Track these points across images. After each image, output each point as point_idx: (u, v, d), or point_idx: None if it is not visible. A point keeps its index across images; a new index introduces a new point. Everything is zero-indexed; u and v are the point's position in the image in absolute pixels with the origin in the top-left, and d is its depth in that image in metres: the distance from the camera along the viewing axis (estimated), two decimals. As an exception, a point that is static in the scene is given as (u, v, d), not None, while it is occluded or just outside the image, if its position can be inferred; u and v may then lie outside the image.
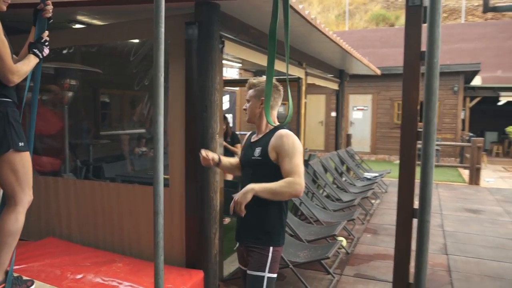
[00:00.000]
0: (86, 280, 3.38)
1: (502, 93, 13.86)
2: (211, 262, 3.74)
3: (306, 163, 7.13)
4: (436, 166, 12.20)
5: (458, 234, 5.60)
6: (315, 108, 15.13)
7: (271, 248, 2.19)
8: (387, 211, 6.81)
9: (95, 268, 3.61)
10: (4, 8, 2.13)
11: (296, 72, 6.23)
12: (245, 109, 2.35)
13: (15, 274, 2.35)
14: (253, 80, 2.32)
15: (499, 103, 14.85)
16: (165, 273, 3.70)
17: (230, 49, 4.00)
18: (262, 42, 4.97)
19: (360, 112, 14.80)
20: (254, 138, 2.35)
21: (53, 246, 4.25)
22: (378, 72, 10.21)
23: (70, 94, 4.93)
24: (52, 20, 2.31)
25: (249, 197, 2.03)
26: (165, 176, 5.59)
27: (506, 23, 20.63)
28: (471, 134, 12.86)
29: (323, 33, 5.08)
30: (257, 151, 2.20)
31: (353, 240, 5.20)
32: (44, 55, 2.24)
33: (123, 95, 8.85)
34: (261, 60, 5.04)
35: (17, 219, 2.17)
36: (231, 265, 4.32)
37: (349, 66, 9.28)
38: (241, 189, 2.12)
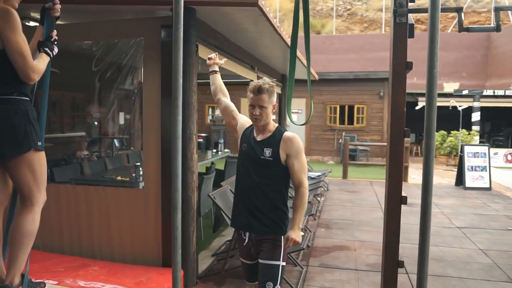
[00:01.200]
0: (66, 285, 3.30)
1: (420, 98, 15.31)
2: (190, 260, 3.83)
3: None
4: (367, 165, 13.17)
5: (400, 225, 6.18)
6: (252, 111, 15.51)
7: (282, 238, 2.37)
8: (333, 207, 7.30)
9: (71, 273, 3.53)
10: (16, 5, 2.10)
11: (250, 75, 6.46)
12: (258, 115, 2.36)
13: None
14: (265, 85, 2.34)
15: (417, 107, 16.36)
16: (146, 273, 3.76)
17: (201, 52, 4.13)
18: (225, 46, 5.15)
19: (294, 115, 15.42)
20: (258, 137, 2.44)
21: (14, 254, 4.04)
22: (316, 77, 10.81)
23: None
24: (59, 19, 2.31)
25: (300, 234, 2.39)
26: (124, 179, 5.51)
27: (419, 35, 22.50)
28: (395, 135, 14.03)
29: (280, 36, 5.38)
30: (267, 151, 2.35)
31: (309, 235, 5.54)
32: (54, 53, 2.23)
33: (68, 97, 8.50)
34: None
35: (34, 220, 2.13)
36: (201, 262, 4.42)
37: (290, 71, 9.74)
38: (245, 177, 2.44)
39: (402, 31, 2.36)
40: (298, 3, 2.04)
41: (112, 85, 9.02)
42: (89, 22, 4.20)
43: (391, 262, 2.42)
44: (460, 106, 13.11)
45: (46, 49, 2.18)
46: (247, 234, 2.46)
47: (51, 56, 2.22)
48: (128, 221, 3.93)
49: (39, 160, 2.14)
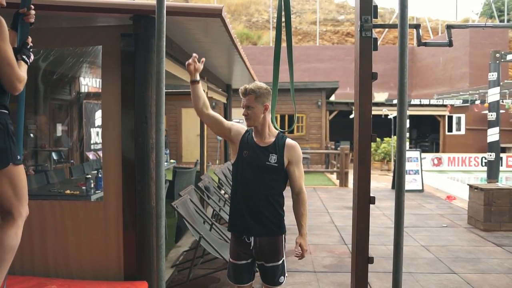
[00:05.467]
0: (25, 306, 3.11)
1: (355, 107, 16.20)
2: (155, 271, 3.76)
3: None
4: (309, 172, 13.61)
5: (347, 228, 6.50)
6: (193, 122, 15.42)
7: (283, 236, 2.51)
8: (283, 213, 7.49)
9: (28, 293, 3.33)
10: (4, 3, 1.99)
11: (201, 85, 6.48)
12: (246, 115, 2.44)
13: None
14: (250, 87, 2.43)
15: (351, 116, 17.27)
16: (111, 288, 3.62)
17: (160, 62, 4.09)
18: (179, 55, 5.16)
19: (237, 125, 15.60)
20: (261, 142, 2.46)
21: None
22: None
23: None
24: (33, 25, 2.21)
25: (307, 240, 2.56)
26: (74, 192, 5.28)
27: (350, 47, 24.02)
28: (333, 143, 14.69)
29: (236, 48, 5.48)
30: (272, 158, 2.40)
31: (265, 241, 5.65)
32: (31, 61, 2.14)
33: None
34: (179, 72, 5.24)
35: (17, 234, 2.02)
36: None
37: (234, 80, 9.87)
38: (247, 184, 2.44)
39: (367, 44, 2.57)
40: (280, 13, 2.15)
41: (49, 95, 8.57)
42: (43, 28, 4.02)
43: (361, 259, 2.59)
44: (391, 114, 14.02)
45: (24, 56, 2.09)
46: (252, 238, 2.46)
47: (28, 63, 2.13)
48: (86, 235, 3.78)
49: (19, 174, 2.05)
